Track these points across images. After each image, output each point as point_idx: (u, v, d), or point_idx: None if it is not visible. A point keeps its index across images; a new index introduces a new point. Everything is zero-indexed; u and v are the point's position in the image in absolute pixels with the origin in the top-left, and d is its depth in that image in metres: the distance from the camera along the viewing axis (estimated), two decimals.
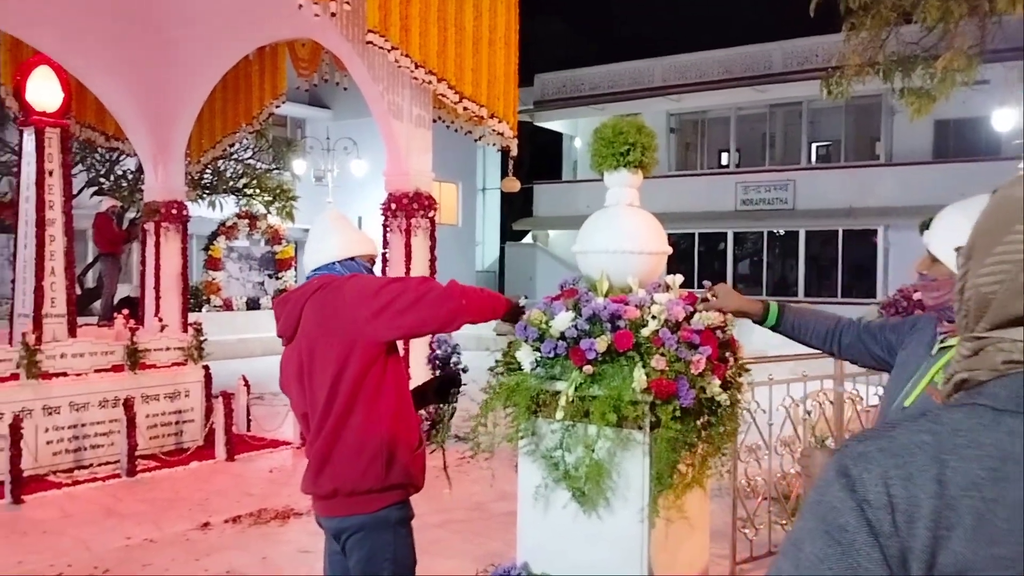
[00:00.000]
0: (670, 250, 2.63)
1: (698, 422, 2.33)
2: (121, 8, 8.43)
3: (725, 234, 21.97)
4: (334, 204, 18.68)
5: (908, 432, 0.72)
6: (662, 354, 2.24)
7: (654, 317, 2.31)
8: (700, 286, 2.55)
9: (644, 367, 2.24)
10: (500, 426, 2.44)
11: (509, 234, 26.35)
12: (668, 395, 2.21)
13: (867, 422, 4.68)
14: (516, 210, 25.19)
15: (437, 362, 2.48)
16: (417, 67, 7.11)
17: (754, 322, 2.33)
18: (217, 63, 8.93)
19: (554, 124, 25.64)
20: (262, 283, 17.35)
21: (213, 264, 16.38)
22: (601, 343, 2.26)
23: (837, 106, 16.88)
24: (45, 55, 7.68)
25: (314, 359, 2.32)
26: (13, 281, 7.35)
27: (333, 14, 6.52)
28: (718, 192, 21.70)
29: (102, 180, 13.65)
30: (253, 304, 16.92)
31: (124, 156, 12.34)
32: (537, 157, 24.66)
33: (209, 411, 7.65)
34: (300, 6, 6.28)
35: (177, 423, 7.55)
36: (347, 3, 6.48)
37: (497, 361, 2.49)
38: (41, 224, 7.06)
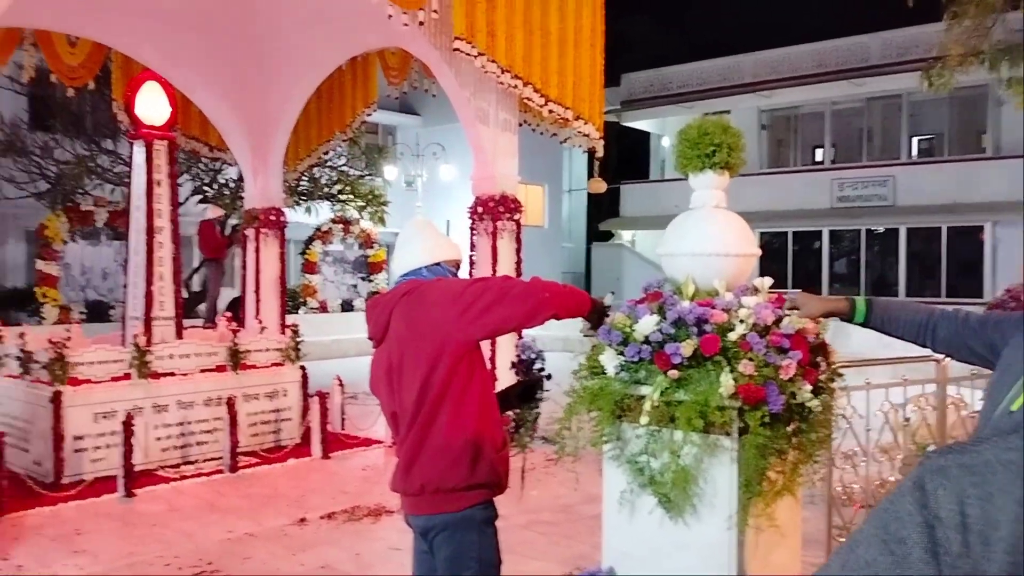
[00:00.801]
0: (758, 252, 2.58)
1: (788, 428, 2.28)
2: (222, 24, 8.82)
3: (820, 232, 21.28)
4: (423, 208, 19.04)
5: (995, 449, 0.69)
6: (750, 359, 2.20)
7: (742, 321, 2.27)
8: (794, 286, 2.49)
9: (731, 372, 2.21)
10: (584, 430, 2.45)
11: (596, 235, 26.23)
12: (757, 401, 2.18)
13: (971, 429, 4.47)
14: (603, 211, 25.06)
15: (521, 367, 2.52)
16: (503, 72, 7.18)
17: (842, 319, 2.27)
18: (312, 74, 9.23)
19: (641, 124, 25.39)
20: (355, 286, 17.81)
21: (309, 268, 16.92)
22: (687, 347, 2.24)
23: (939, 98, 16.14)
24: (152, 71, 8.10)
25: (403, 361, 2.38)
26: (125, 286, 7.78)
27: (421, 23, 6.66)
28: (812, 189, 21.04)
29: (206, 189, 14.30)
30: (347, 306, 17.38)
31: (226, 165, 12.92)
32: (624, 157, 24.47)
33: (305, 410, 7.91)
34: (390, 16, 6.44)
35: (276, 421, 7.84)
36: (435, 12, 6.60)
37: (581, 365, 2.50)
38: (150, 232, 7.45)
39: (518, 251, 8.16)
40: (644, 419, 2.28)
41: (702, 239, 2.48)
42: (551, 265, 22.58)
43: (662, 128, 25.45)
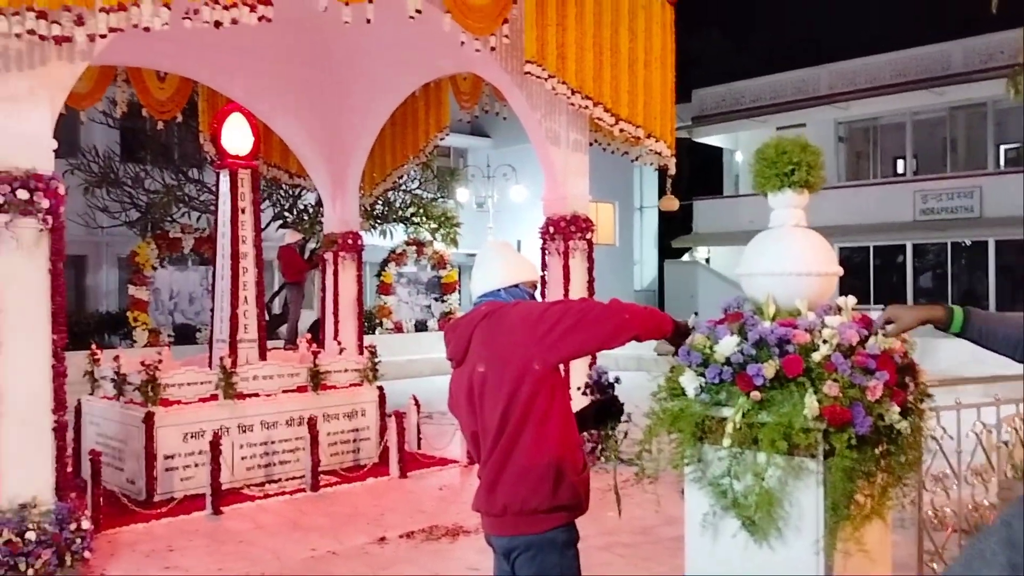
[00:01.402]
0: (840, 271, 2.53)
1: (876, 450, 2.23)
2: (302, 55, 9.14)
3: (903, 246, 20.60)
4: (495, 229, 19.22)
5: None
6: (835, 380, 2.16)
7: (825, 341, 2.24)
8: (876, 302, 2.44)
9: (816, 393, 2.17)
10: (664, 451, 2.44)
11: (668, 252, 25.97)
12: (842, 423, 2.14)
13: None
14: (675, 227, 24.83)
15: (595, 388, 2.51)
16: (574, 93, 7.23)
17: (937, 328, 2.19)
18: (387, 101, 9.47)
19: (713, 139, 25.11)
20: (429, 306, 18.06)
21: (385, 289, 17.25)
22: (769, 368, 2.21)
23: None
24: (237, 103, 8.44)
25: (485, 383, 2.42)
26: (212, 309, 8.08)
27: (493, 48, 6.77)
28: (894, 202, 20.39)
29: (286, 214, 14.76)
30: (421, 326, 17.63)
31: (305, 191, 13.33)
32: (696, 173, 24.24)
33: (383, 429, 8.05)
34: (463, 43, 6.58)
35: (354, 441, 8.00)
36: (506, 36, 6.71)
37: (660, 386, 2.49)
38: (235, 257, 7.73)
39: (590, 270, 8.17)
40: (726, 441, 2.26)
41: (782, 258, 2.46)
42: (623, 284, 22.46)
43: (735, 143, 25.10)
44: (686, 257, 25.68)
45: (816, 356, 2.21)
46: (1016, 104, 13.57)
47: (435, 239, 16.84)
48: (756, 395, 2.23)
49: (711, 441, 2.36)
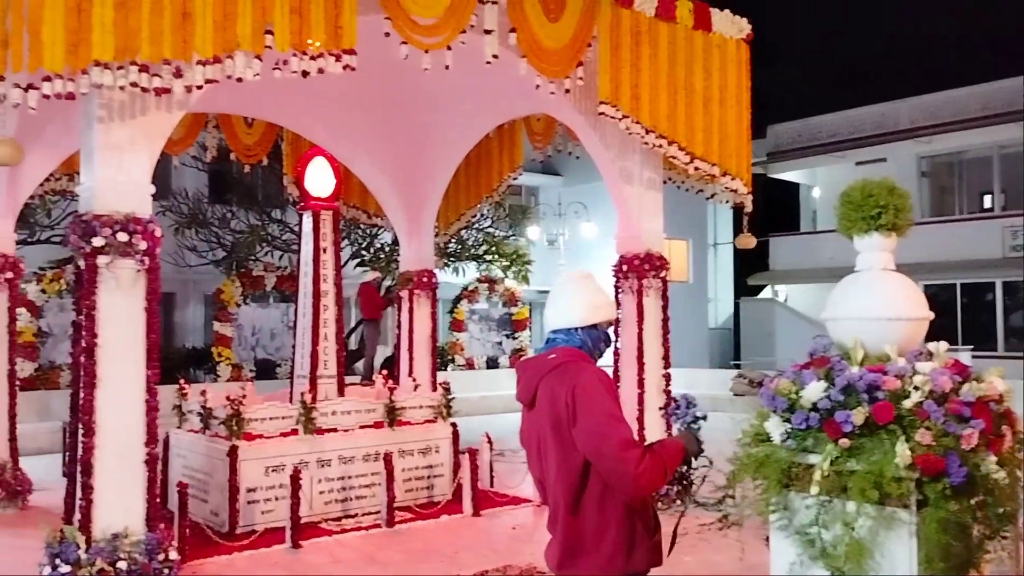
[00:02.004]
0: (931, 315, 2.48)
1: (972, 501, 2.15)
2: (381, 100, 9.42)
3: (992, 284, 19.76)
4: (566, 266, 19.25)
5: None
6: (928, 428, 2.11)
7: (917, 388, 2.18)
8: (964, 342, 2.37)
9: (907, 441, 2.12)
10: (748, 498, 2.40)
11: (744, 289, 25.51)
12: (936, 472, 2.08)
13: None
14: (751, 264, 24.40)
15: (678, 415, 2.42)
16: (648, 132, 7.25)
17: None
18: (463, 142, 9.67)
19: (789, 175, 24.70)
20: (500, 343, 18.13)
21: (457, 326, 17.42)
22: (858, 415, 2.17)
23: None
24: (319, 147, 8.75)
25: (547, 438, 2.45)
26: (293, 346, 8.31)
27: (567, 90, 6.88)
28: (982, 238, 19.63)
29: (363, 253, 15.13)
30: (492, 363, 17.70)
31: (382, 231, 13.65)
32: (772, 209, 23.80)
33: (456, 466, 8.08)
34: (538, 86, 6.69)
35: (428, 477, 8.05)
36: (580, 79, 6.81)
37: (744, 431, 2.46)
38: (316, 295, 7.96)
39: (664, 308, 8.10)
40: (814, 489, 2.22)
41: (871, 303, 2.42)
42: (697, 322, 22.13)
43: (812, 178, 24.64)
44: (763, 295, 25.17)
45: (907, 403, 2.17)
46: None
47: (507, 276, 16.96)
48: (845, 442, 2.19)
49: (798, 488, 2.32)
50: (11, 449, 7.98)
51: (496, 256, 16.18)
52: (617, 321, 8.06)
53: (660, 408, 7.38)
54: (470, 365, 17.38)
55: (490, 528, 7.25)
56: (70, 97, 4.70)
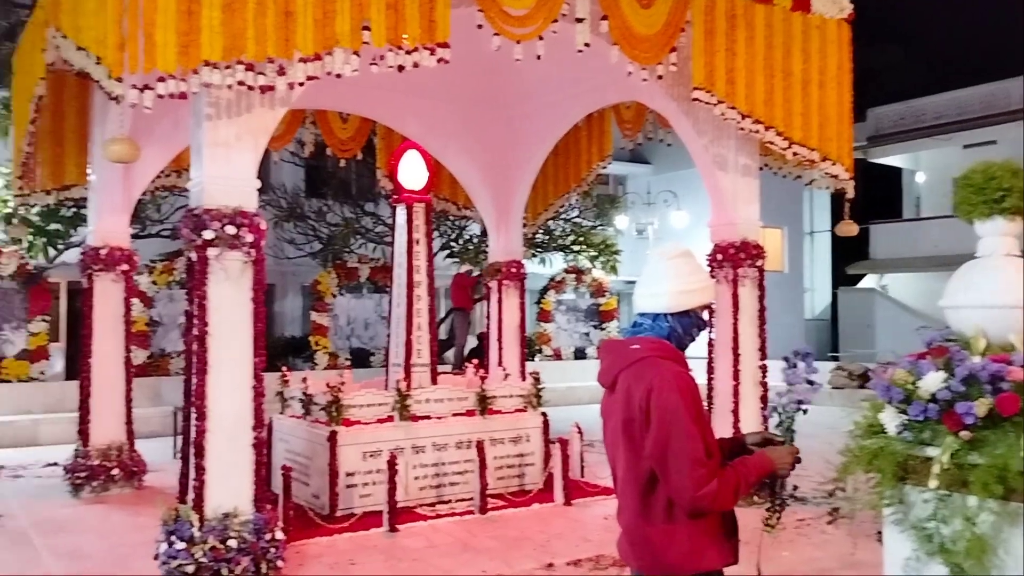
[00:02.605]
0: None
1: None
2: (472, 93, 9.53)
3: None
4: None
5: None
6: None
7: None
8: None
9: None
10: (860, 491, 2.33)
11: (842, 279, 24.63)
12: None
13: None
14: (850, 253, 23.53)
15: (776, 413, 2.29)
16: (744, 118, 7.10)
17: None
18: (552, 132, 9.68)
19: (891, 159, 23.68)
20: (587, 334, 18.09)
21: (544, 316, 17.46)
22: (981, 407, 2.08)
23: None
24: (412, 140, 8.90)
25: (618, 432, 2.41)
26: (388, 335, 8.51)
27: (660, 77, 6.79)
28: None
29: (452, 244, 15.32)
30: (580, 353, 17.68)
31: (470, 222, 13.79)
32: (872, 195, 22.86)
33: (547, 456, 8.12)
34: (630, 73, 6.63)
35: (519, 466, 8.12)
36: (674, 65, 6.70)
37: (856, 423, 2.39)
38: (410, 286, 8.13)
39: (761, 299, 7.91)
40: (933, 483, 2.14)
41: (994, 290, 2.30)
42: (792, 313, 21.51)
43: (916, 163, 23.57)
44: (862, 284, 24.25)
45: None
46: None
47: (594, 267, 16.88)
48: (966, 435, 2.10)
49: (914, 482, 2.24)
50: (127, 432, 8.45)
51: (584, 246, 16.12)
52: (711, 312, 7.92)
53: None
54: (557, 355, 17.41)
55: (582, 517, 7.26)
56: (182, 96, 4.93)
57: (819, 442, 2.48)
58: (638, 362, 2.39)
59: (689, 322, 2.46)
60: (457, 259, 14.63)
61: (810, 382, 2.37)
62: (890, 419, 2.25)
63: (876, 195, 23.45)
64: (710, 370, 7.86)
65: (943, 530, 2.18)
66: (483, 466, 7.32)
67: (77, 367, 13.98)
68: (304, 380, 7.85)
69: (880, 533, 2.47)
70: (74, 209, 12.17)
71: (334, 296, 15.18)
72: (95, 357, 8.29)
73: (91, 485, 8.05)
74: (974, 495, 2.07)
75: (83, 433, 8.23)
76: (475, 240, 15.08)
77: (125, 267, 8.49)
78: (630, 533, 2.43)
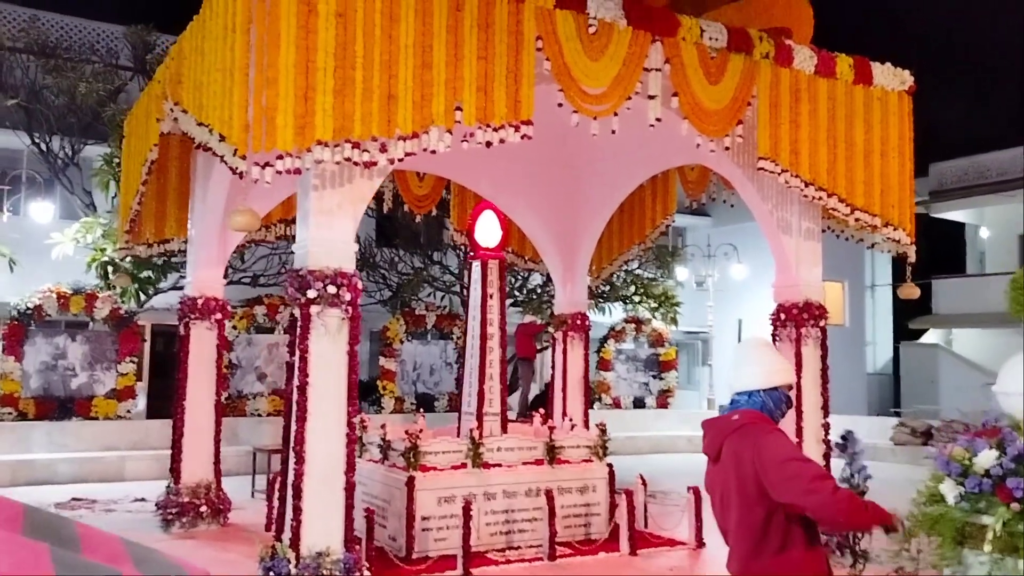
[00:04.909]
0: None
1: None
2: (542, 154, 10.02)
3: None
4: (715, 308, 19.19)
5: None
6: None
7: None
8: None
9: None
10: (924, 552, 2.64)
11: (904, 333, 24.35)
12: None
13: None
14: (912, 307, 23.29)
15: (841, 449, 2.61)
16: (807, 185, 7.42)
17: None
18: (618, 191, 10.11)
19: (954, 215, 23.52)
20: (647, 383, 18.27)
21: (604, 365, 17.72)
22: None
23: None
24: (488, 201, 9.42)
25: (730, 492, 2.78)
26: (459, 381, 8.93)
27: (727, 148, 7.18)
28: None
29: (516, 293, 15.79)
30: (639, 403, 17.86)
31: (532, 273, 14.26)
32: (934, 250, 22.73)
33: (613, 506, 8.38)
34: (698, 145, 7.04)
35: (585, 515, 8.39)
36: (740, 136, 7.09)
37: (919, 492, 2.70)
38: (483, 338, 8.56)
39: (823, 358, 8.12)
40: (988, 547, 2.44)
41: None
42: (853, 366, 21.36)
43: (979, 218, 23.37)
44: (925, 339, 23.94)
45: None
46: None
47: (654, 317, 17.15)
48: (1016, 506, 2.41)
49: (971, 545, 2.54)
50: (215, 471, 8.99)
51: (644, 297, 16.43)
52: (798, 384, 8.07)
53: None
54: (616, 404, 17.62)
55: (648, 568, 7.49)
56: (296, 172, 5.50)
57: (882, 499, 2.79)
58: (740, 428, 2.82)
59: (779, 396, 2.90)
60: (521, 308, 15.06)
61: (854, 455, 2.77)
62: (949, 490, 2.57)
63: (939, 250, 23.29)
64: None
65: None
66: (552, 514, 7.63)
67: (159, 407, 14.78)
68: (383, 426, 8.28)
69: None
70: (164, 258, 13.00)
71: (402, 342, 15.71)
72: (188, 400, 8.87)
73: (181, 521, 8.58)
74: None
75: (175, 471, 8.78)
76: (538, 290, 15.52)
77: (219, 316, 9.12)
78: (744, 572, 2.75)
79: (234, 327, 14.35)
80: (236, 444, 12.94)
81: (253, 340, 14.48)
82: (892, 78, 7.93)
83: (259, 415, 14.11)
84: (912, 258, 8.22)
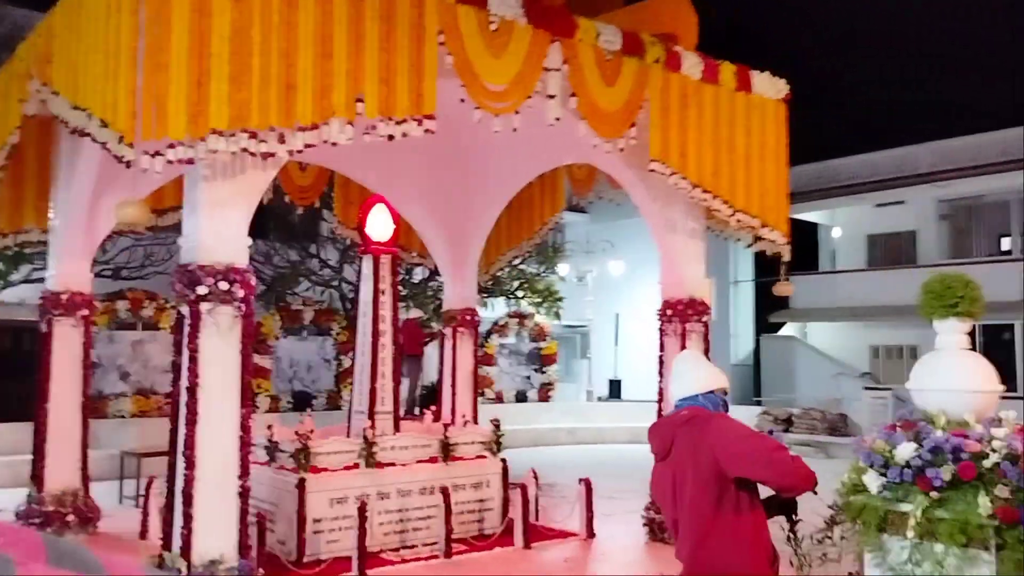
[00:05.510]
0: (1001, 388, 2.90)
1: None
2: (432, 148, 9.91)
3: (1011, 325, 20.05)
4: (594, 302, 19.68)
5: None
6: (1005, 484, 2.52)
7: (995, 450, 2.60)
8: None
9: (988, 495, 2.53)
10: (846, 539, 2.81)
11: (765, 326, 25.81)
12: (1013, 521, 2.48)
13: None
14: (772, 302, 24.72)
15: None
16: (694, 187, 7.72)
17: None
18: (509, 188, 10.16)
19: (809, 215, 25.12)
20: (528, 377, 18.50)
21: (487, 360, 17.76)
22: (946, 472, 2.59)
23: None
24: (379, 195, 9.24)
25: (684, 480, 2.87)
26: (337, 379, 8.73)
27: (621, 149, 7.36)
28: (1000, 280, 19.84)
29: (400, 288, 15.58)
30: (521, 397, 18.07)
31: (414, 267, 14.12)
32: (792, 248, 24.18)
33: (506, 500, 8.44)
34: (595, 145, 7.18)
35: (479, 511, 8.41)
36: (633, 139, 7.29)
37: (843, 483, 2.87)
38: (375, 335, 8.40)
39: (706, 352, 8.48)
40: (909, 533, 2.63)
41: (952, 377, 2.85)
42: (719, 358, 22.29)
43: (831, 219, 25.06)
44: (783, 331, 25.47)
45: (987, 463, 2.58)
46: None
47: (539, 312, 17.38)
48: (934, 495, 2.60)
49: (891, 531, 2.73)
50: (83, 477, 8.40)
51: (528, 292, 16.62)
52: (661, 362, 8.46)
53: None
54: (499, 399, 17.74)
55: (543, 560, 7.60)
56: (189, 162, 5.20)
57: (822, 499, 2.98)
58: (689, 420, 2.98)
59: (716, 399, 3.07)
60: (405, 303, 14.88)
61: None
62: (872, 480, 2.75)
63: (796, 248, 24.76)
64: (660, 415, 8.36)
65: (917, 572, 2.67)
66: (448, 511, 7.60)
67: (4, 409, 13.63)
68: (269, 427, 7.98)
69: (850, 575, 2.94)
70: (15, 249, 12.00)
71: (277, 339, 15.18)
72: (51, 401, 8.25)
73: (46, 531, 7.94)
74: (941, 543, 2.57)
75: (37, 478, 8.15)
76: (421, 284, 15.39)
77: (85, 312, 8.52)
78: (698, 562, 2.85)
79: (94, 323, 13.43)
80: (98, 448, 12.07)
81: (115, 337, 13.60)
82: (770, 87, 8.36)
83: (122, 416, 13.25)
84: (787, 257, 8.72)
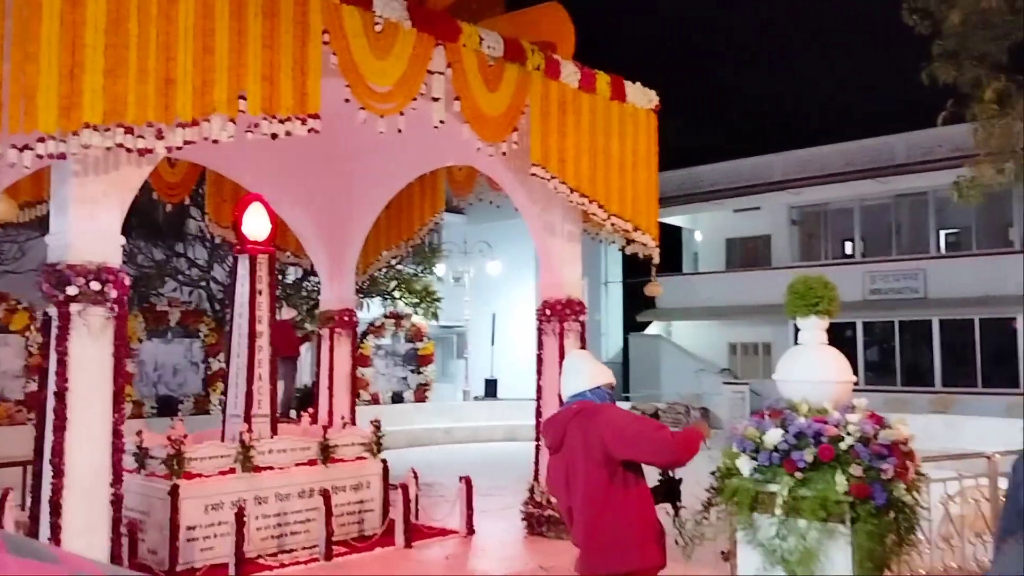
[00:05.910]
0: (855, 379, 3.24)
1: (889, 517, 2.89)
2: (309, 147, 9.75)
3: (854, 323, 21.78)
4: (472, 302, 19.85)
5: None
6: (858, 463, 2.84)
7: (850, 434, 2.92)
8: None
9: (844, 474, 2.84)
10: (721, 519, 3.07)
11: (632, 325, 26.86)
12: (865, 496, 2.80)
13: None
14: (639, 302, 25.75)
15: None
16: (572, 191, 8.01)
17: None
18: (388, 188, 10.14)
19: (673, 219, 26.33)
20: (405, 378, 18.47)
21: (362, 361, 17.59)
22: (808, 454, 2.88)
23: None
24: (256, 193, 9.01)
25: (576, 467, 3.05)
26: (204, 382, 8.48)
27: (504, 153, 7.54)
28: (844, 281, 21.42)
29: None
30: (397, 398, 18.01)
31: (288, 267, 13.84)
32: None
33: (387, 501, 8.45)
34: (479, 148, 7.32)
35: (360, 512, 8.37)
36: (515, 143, 7.49)
37: (719, 468, 3.13)
38: (252, 337, 8.19)
39: (582, 349, 8.81)
40: (778, 511, 2.91)
41: (813, 369, 3.16)
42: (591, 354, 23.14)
43: (694, 223, 26.38)
44: (649, 330, 26.58)
45: (843, 445, 2.90)
46: None
47: (416, 312, 17.38)
48: (799, 475, 2.89)
49: (761, 510, 3.00)
50: None
51: (406, 292, 16.59)
52: (540, 359, 8.72)
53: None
54: (375, 400, 17.61)
55: (424, 559, 7.67)
56: (61, 157, 4.95)
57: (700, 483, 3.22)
58: (579, 412, 3.17)
59: (602, 393, 3.24)
60: (278, 304, 14.53)
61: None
62: (745, 464, 3.02)
63: (662, 251, 25.92)
64: (538, 414, 8.61)
65: (783, 545, 2.95)
66: (329, 514, 7.53)
67: None
68: (139, 433, 7.65)
69: (724, 552, 3.21)
70: None
71: (140, 341, 14.48)
72: None
73: None
74: (805, 519, 2.87)
75: None
76: (297, 284, 15.08)
77: None
78: (594, 544, 3.04)
79: None
80: None
81: None
82: (642, 96, 8.78)
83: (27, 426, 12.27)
84: (656, 260, 9.17)
